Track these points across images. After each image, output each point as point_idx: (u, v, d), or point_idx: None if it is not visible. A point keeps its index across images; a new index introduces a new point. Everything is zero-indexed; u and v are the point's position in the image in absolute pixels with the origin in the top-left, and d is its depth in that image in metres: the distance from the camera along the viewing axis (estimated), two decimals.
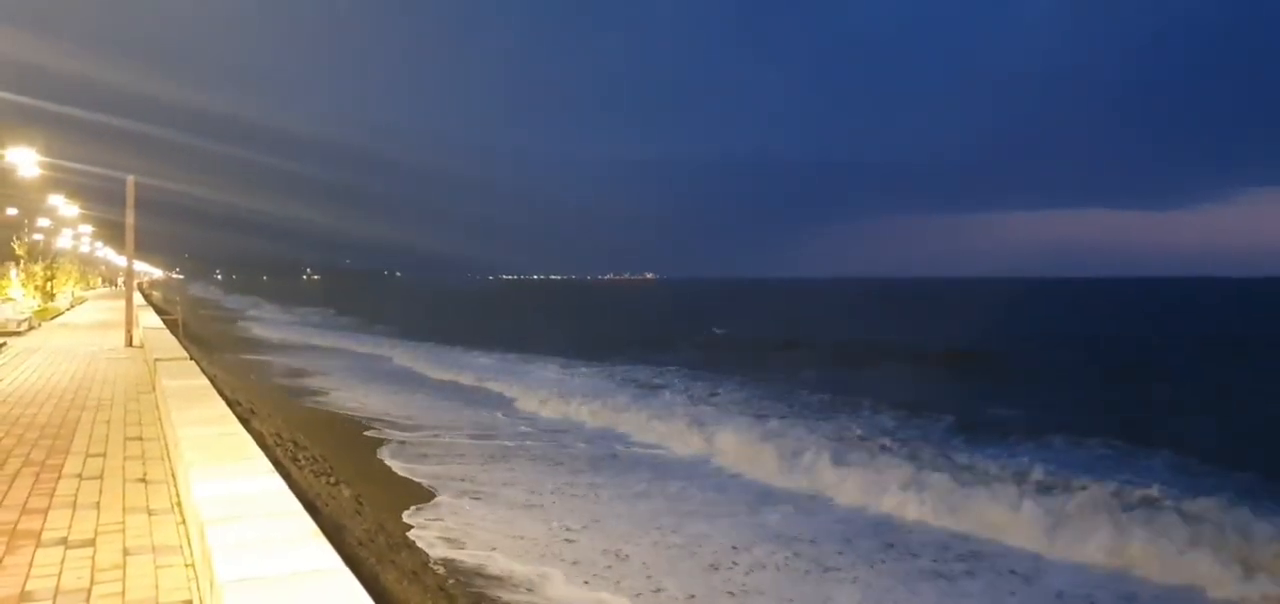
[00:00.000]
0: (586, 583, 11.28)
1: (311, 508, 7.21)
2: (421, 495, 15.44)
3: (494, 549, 12.36)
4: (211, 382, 11.76)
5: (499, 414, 25.60)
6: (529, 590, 10.84)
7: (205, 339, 38.09)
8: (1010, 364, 40.47)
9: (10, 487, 6.98)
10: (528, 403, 27.24)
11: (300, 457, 13.59)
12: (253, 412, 15.36)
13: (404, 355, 43.17)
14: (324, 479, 12.23)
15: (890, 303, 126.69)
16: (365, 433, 21.62)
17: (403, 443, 20.41)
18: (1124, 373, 38.16)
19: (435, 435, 21.71)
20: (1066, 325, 73.32)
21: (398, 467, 17.88)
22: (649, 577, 11.62)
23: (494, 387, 31.19)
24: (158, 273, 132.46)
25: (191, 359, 15.07)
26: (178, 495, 6.60)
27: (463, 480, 16.89)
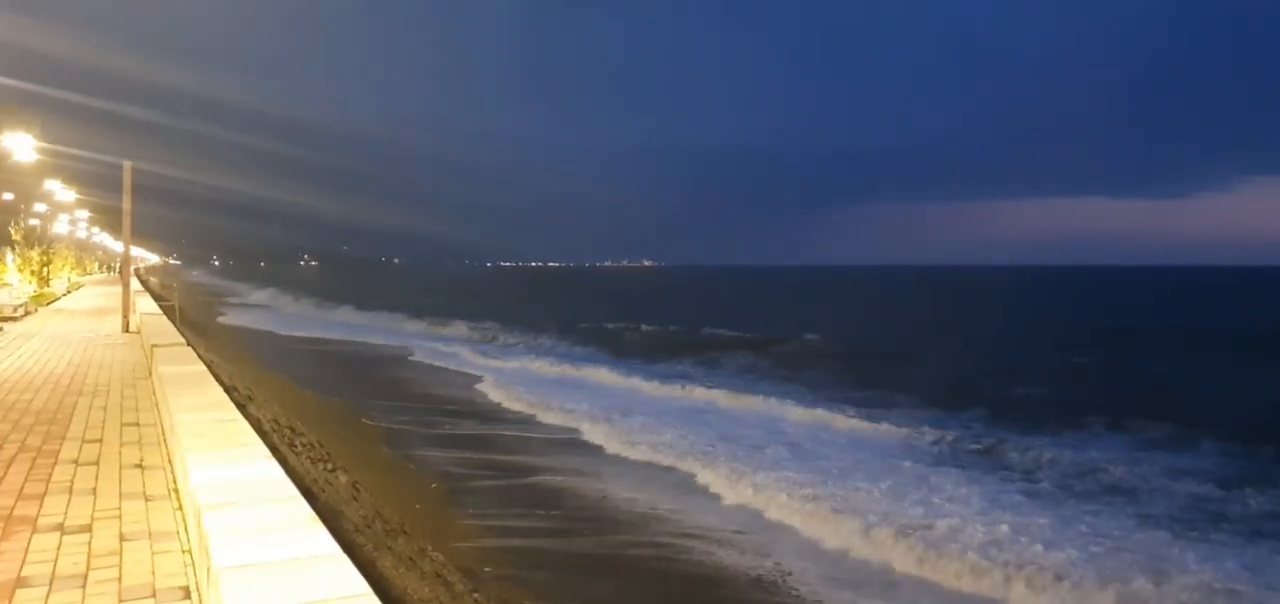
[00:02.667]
0: None
1: (308, 494, 7.21)
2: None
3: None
4: (208, 367, 11.75)
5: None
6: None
7: (198, 324, 38.06)
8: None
9: (6, 472, 6.97)
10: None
11: (297, 442, 13.58)
12: (250, 397, 15.34)
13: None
14: (321, 465, 12.23)
15: (915, 293, 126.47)
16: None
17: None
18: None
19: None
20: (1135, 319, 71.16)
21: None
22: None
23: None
24: (155, 259, 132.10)
25: (188, 345, 15.05)
26: (175, 481, 6.60)
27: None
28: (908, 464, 18.46)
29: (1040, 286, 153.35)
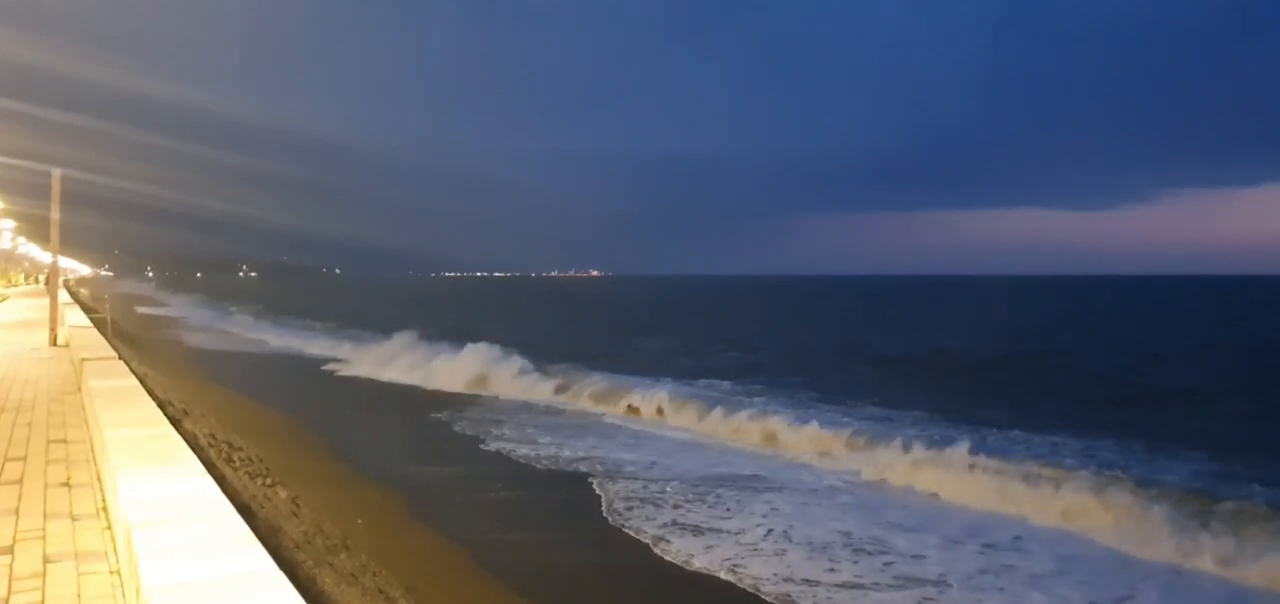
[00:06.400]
0: None
1: (246, 510, 7.03)
2: None
3: None
4: (141, 381, 11.39)
5: None
6: None
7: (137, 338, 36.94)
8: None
9: None
10: None
11: (235, 458, 13.24)
12: (185, 412, 14.92)
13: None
14: (259, 481, 11.94)
15: (879, 302, 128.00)
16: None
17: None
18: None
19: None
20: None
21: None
22: None
23: None
24: (86, 270, 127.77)
25: (120, 358, 14.57)
26: (103, 500, 6.38)
27: None
28: None
29: (992, 295, 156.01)
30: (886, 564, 13.18)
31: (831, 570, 12.82)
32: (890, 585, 12.34)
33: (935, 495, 17.20)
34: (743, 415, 24.17)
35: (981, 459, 18.55)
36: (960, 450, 18.82)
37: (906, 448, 19.73)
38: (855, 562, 13.24)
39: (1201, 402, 29.61)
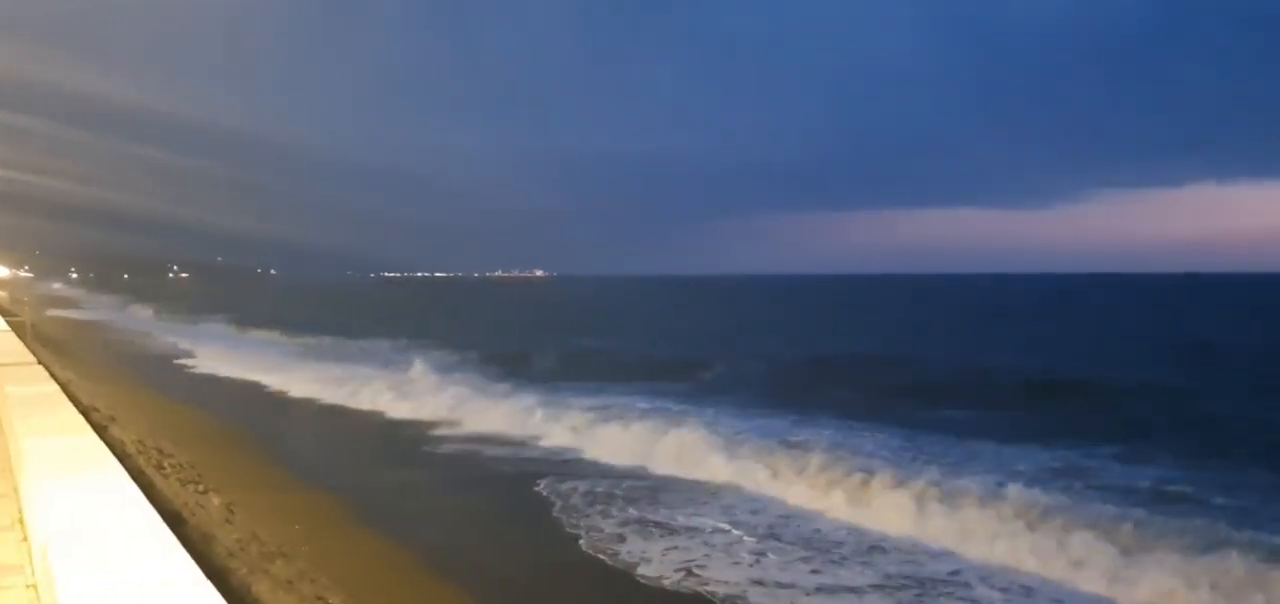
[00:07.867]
0: None
1: (175, 519, 6.80)
2: None
3: None
4: (64, 387, 10.96)
5: None
6: None
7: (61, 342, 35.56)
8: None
9: None
10: None
11: (166, 464, 12.84)
12: (112, 418, 14.42)
13: None
14: (191, 488, 11.58)
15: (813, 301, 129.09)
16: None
17: None
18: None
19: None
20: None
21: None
22: None
23: None
24: (3, 271, 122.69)
25: (40, 363, 14.01)
26: (20, 511, 6.10)
27: None
28: None
29: (950, 295, 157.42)
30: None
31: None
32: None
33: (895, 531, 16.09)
34: (674, 424, 23.08)
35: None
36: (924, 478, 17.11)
37: (828, 460, 18.86)
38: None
39: (1119, 394, 30.44)
